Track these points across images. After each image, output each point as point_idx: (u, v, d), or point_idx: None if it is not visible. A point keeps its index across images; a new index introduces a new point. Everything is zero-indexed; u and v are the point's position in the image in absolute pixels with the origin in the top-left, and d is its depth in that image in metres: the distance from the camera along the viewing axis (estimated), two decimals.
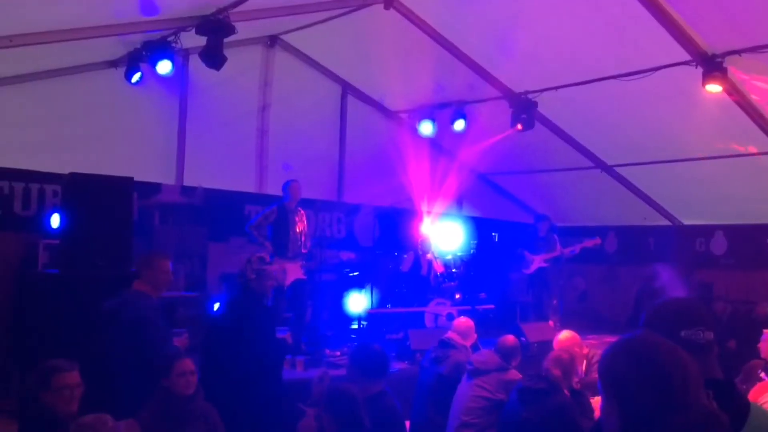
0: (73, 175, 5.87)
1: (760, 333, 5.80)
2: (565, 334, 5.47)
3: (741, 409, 1.82)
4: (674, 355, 1.56)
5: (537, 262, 9.42)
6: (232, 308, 4.77)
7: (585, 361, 5.41)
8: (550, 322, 8.93)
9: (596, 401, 4.74)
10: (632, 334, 1.66)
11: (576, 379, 4.69)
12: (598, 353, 5.46)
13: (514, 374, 4.85)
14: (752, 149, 8.39)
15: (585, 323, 9.28)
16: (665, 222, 11.12)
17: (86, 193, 5.74)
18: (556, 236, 9.61)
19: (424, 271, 9.00)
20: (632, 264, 11.41)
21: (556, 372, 4.29)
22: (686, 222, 11.06)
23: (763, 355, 5.62)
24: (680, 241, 11.03)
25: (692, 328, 1.87)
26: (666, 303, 2.01)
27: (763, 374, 5.49)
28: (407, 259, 9.08)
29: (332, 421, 3.12)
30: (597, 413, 4.37)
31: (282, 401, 4.61)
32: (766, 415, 1.90)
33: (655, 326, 1.95)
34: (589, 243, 9.50)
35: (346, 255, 7.82)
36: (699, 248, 10.90)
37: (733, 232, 10.52)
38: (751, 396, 3.62)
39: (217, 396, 4.08)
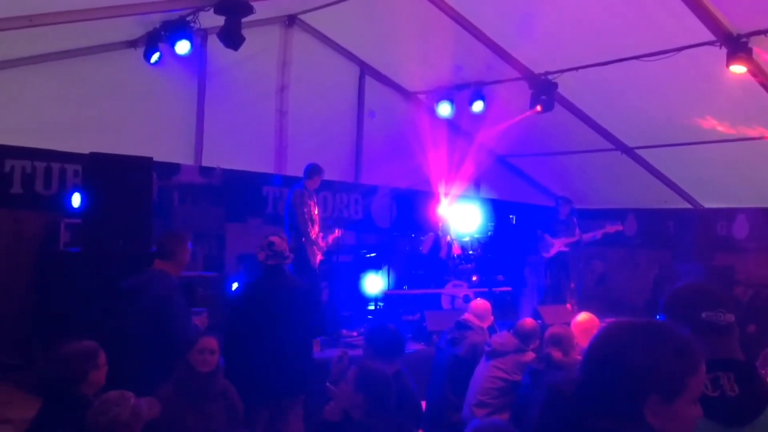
0: (93, 154, 5.92)
1: None
2: (583, 317, 5.46)
3: (762, 391, 1.82)
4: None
5: (557, 245, 9.34)
6: (262, 290, 4.79)
7: None
8: (568, 305, 8.91)
9: None
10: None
11: (578, 354, 4.69)
12: None
13: (531, 356, 4.87)
14: None
15: (603, 306, 9.27)
16: (686, 205, 10.99)
17: (106, 173, 5.79)
18: (575, 220, 9.54)
19: (443, 253, 9.00)
20: (651, 247, 11.32)
21: (557, 354, 4.31)
22: (707, 205, 10.92)
23: None
24: (701, 225, 10.91)
25: (713, 310, 1.86)
26: (686, 286, 2.00)
27: None
28: (426, 240, 9.07)
29: (362, 400, 3.14)
30: None
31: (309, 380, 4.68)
32: None
33: (675, 309, 1.94)
34: (610, 229, 9.41)
35: (340, 231, 7.79)
36: (720, 232, 10.77)
37: (756, 215, 10.37)
38: None
39: (240, 376, 4.14)
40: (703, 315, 1.86)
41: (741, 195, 10.06)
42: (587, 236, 9.41)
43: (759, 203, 10.09)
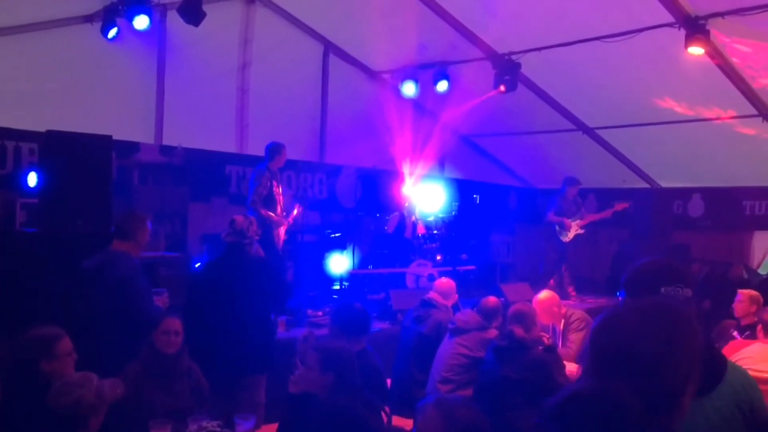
0: (50, 132, 5.75)
1: (734, 293, 5.95)
2: (544, 295, 5.56)
3: (719, 365, 1.88)
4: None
5: (574, 228, 9.21)
6: (219, 268, 4.78)
7: (563, 320, 5.51)
8: (570, 289, 9.02)
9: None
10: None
11: (539, 330, 4.79)
12: (575, 312, 5.58)
13: (494, 333, 4.94)
14: (731, 112, 8.46)
15: (565, 283, 9.42)
16: (644, 184, 11.23)
17: (64, 152, 5.63)
18: (580, 200, 9.47)
19: (408, 232, 9.04)
20: (611, 226, 11.51)
21: (519, 332, 4.39)
22: (664, 185, 11.18)
23: (737, 315, 5.77)
24: (658, 204, 11.17)
25: (671, 285, 1.91)
26: (646, 263, 2.05)
27: (735, 333, 5.65)
28: (392, 220, 9.09)
29: (327, 380, 3.16)
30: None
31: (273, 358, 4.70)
32: (742, 372, 1.97)
33: (635, 285, 1.99)
34: (618, 207, 9.31)
35: (300, 208, 7.72)
36: (676, 210, 11.04)
37: (711, 194, 10.66)
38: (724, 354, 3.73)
39: (201, 354, 4.11)
40: (662, 290, 1.91)
41: (697, 174, 10.32)
42: (596, 216, 9.33)
43: (714, 182, 10.37)
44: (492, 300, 5.25)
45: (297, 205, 7.66)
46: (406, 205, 9.21)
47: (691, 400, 1.41)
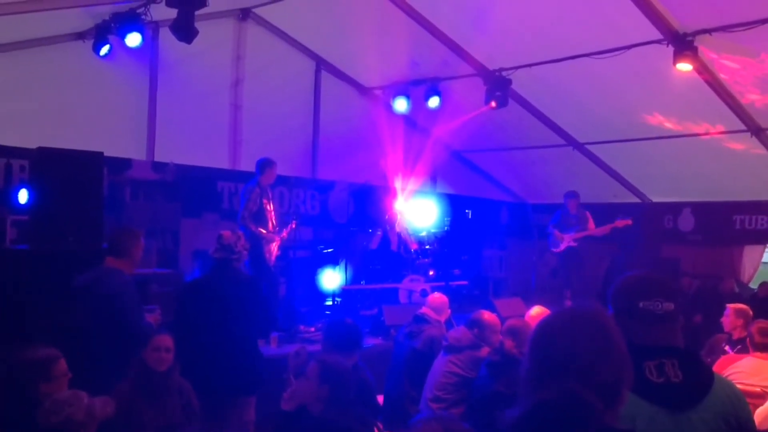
0: (41, 149, 5.75)
1: (725, 308, 5.97)
2: (536, 310, 5.55)
3: (705, 377, 1.89)
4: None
5: (566, 240, 9.46)
6: (205, 284, 4.77)
7: None
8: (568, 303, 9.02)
9: None
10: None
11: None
12: None
13: (486, 351, 4.92)
14: (720, 128, 8.54)
15: (557, 299, 9.43)
16: (635, 199, 11.29)
17: (55, 168, 5.63)
18: (588, 214, 9.66)
19: (393, 246, 9.05)
20: (602, 240, 11.58)
21: (509, 344, 4.39)
22: (655, 199, 11.24)
23: (726, 329, 5.78)
24: (649, 218, 11.22)
25: (650, 299, 1.92)
26: (628, 277, 2.07)
27: (727, 347, 5.67)
28: (375, 238, 9.11)
29: (322, 392, 3.15)
30: None
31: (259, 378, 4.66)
32: (729, 384, 1.98)
33: (618, 300, 2.01)
34: (619, 223, 9.46)
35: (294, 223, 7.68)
36: (667, 225, 11.09)
37: (701, 209, 10.71)
38: (715, 368, 3.74)
39: (188, 372, 4.09)
40: (641, 304, 1.93)
41: (687, 189, 10.38)
42: (598, 231, 9.54)
43: (704, 197, 10.43)
44: (483, 314, 5.23)
45: (293, 221, 7.67)
46: (389, 220, 9.25)
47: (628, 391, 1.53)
